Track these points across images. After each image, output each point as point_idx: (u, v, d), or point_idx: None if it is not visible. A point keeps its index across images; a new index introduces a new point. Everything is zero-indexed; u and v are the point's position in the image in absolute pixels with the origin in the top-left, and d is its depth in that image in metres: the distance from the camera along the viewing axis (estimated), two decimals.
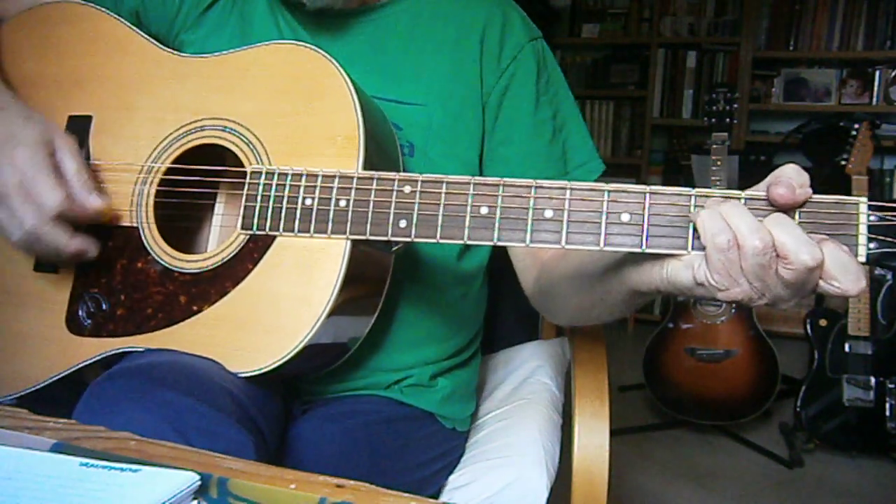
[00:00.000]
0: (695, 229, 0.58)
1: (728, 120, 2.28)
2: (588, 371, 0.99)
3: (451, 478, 0.97)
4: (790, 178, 0.56)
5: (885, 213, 0.56)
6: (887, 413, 2.17)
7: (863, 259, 0.56)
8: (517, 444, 0.97)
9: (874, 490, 2.16)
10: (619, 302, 0.71)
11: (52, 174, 0.75)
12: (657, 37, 3.75)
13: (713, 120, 2.28)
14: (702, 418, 2.44)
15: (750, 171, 3.36)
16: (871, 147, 2.22)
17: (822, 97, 3.56)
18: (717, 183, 2.23)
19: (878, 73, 3.44)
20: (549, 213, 0.62)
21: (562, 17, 3.94)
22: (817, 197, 0.57)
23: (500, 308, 1.15)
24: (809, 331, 2.27)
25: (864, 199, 0.57)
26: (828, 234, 0.56)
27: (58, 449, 0.51)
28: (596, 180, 0.94)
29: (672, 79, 3.76)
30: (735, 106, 2.28)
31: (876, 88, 3.45)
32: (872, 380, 2.19)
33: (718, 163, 2.25)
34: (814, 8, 3.53)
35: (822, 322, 2.26)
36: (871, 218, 0.56)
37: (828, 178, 2.49)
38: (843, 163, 2.21)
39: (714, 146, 2.27)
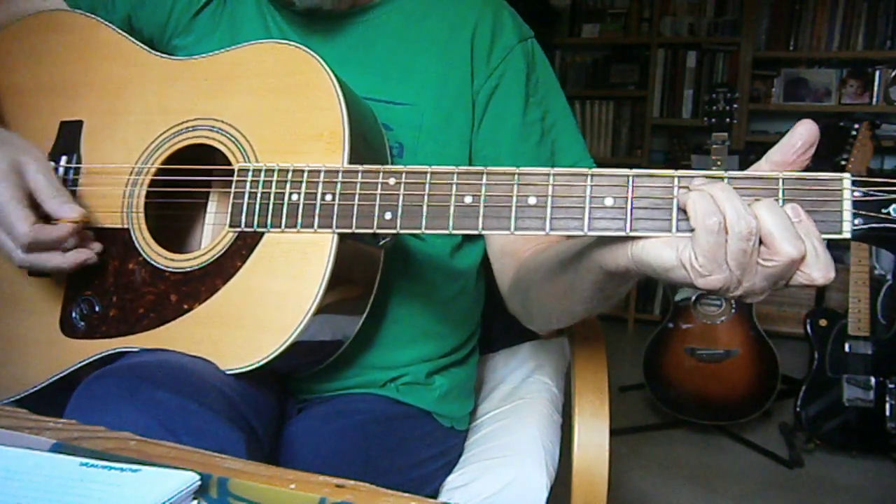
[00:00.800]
0: (681, 211, 0.57)
1: (728, 120, 2.28)
2: (588, 371, 0.99)
3: (451, 477, 0.97)
4: (804, 138, 0.56)
5: (870, 189, 0.55)
6: (887, 413, 2.17)
7: (848, 235, 0.56)
8: (517, 444, 0.97)
9: (874, 490, 2.16)
10: (588, 286, 0.69)
11: (21, 203, 0.75)
12: (657, 37, 3.75)
13: (713, 120, 2.28)
14: (702, 418, 2.43)
15: None
16: (871, 147, 2.22)
17: (822, 97, 3.56)
18: None
19: (878, 73, 3.44)
20: (532, 200, 0.62)
21: (562, 17, 3.93)
22: (802, 174, 0.57)
23: (500, 307, 1.15)
24: (809, 331, 2.27)
25: (848, 175, 0.56)
26: (812, 210, 0.56)
27: (58, 449, 0.51)
28: None
29: (672, 79, 3.76)
30: (735, 106, 2.28)
31: (876, 88, 3.45)
32: (872, 380, 2.19)
33: (718, 163, 2.25)
34: (814, 8, 3.53)
35: (822, 322, 2.26)
36: (856, 193, 0.56)
37: None
38: (843, 163, 2.21)
39: (714, 146, 2.27)
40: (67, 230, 0.77)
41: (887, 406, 2.18)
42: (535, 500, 0.89)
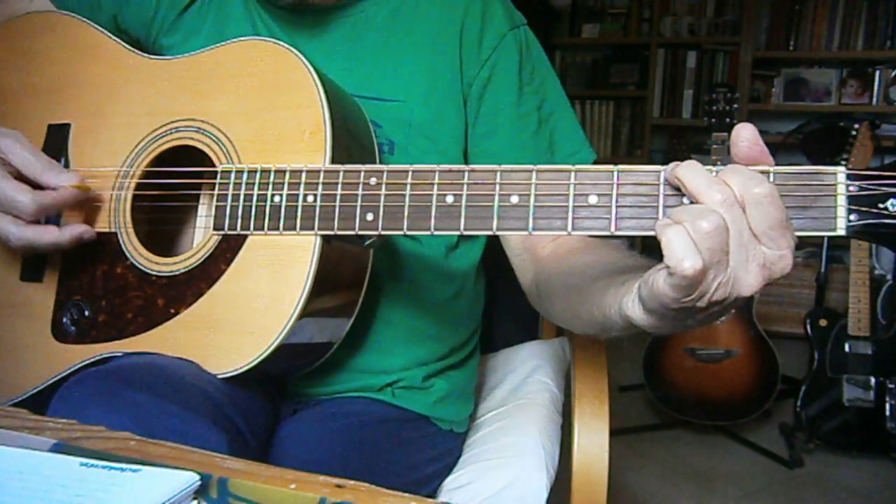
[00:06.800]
0: (668, 209, 0.55)
1: (728, 120, 2.27)
2: (588, 371, 0.99)
3: (450, 478, 0.97)
4: (746, 135, 0.53)
5: (866, 182, 0.52)
6: (887, 413, 2.17)
7: (842, 232, 0.53)
8: (517, 445, 0.97)
9: (874, 490, 2.16)
10: (619, 329, 0.66)
11: (11, 178, 0.76)
12: (657, 37, 3.75)
13: (713, 120, 2.28)
14: (702, 418, 2.43)
15: None
16: (871, 147, 2.22)
17: (822, 97, 3.56)
18: None
19: (878, 73, 3.44)
20: (514, 199, 0.61)
21: (562, 17, 3.94)
22: (793, 168, 0.54)
23: (500, 307, 1.15)
24: (809, 331, 2.27)
25: (843, 168, 0.53)
26: (805, 206, 0.53)
27: (58, 449, 0.51)
28: None
29: (672, 79, 3.76)
30: (735, 106, 2.28)
31: (876, 88, 3.45)
32: (872, 380, 2.19)
33: (718, 163, 2.25)
34: (814, 8, 3.53)
35: (822, 322, 2.26)
36: (851, 188, 0.53)
37: None
38: (843, 163, 2.21)
39: (714, 146, 2.27)
40: (71, 193, 0.78)
41: (887, 406, 2.18)
42: (534, 501, 0.89)
